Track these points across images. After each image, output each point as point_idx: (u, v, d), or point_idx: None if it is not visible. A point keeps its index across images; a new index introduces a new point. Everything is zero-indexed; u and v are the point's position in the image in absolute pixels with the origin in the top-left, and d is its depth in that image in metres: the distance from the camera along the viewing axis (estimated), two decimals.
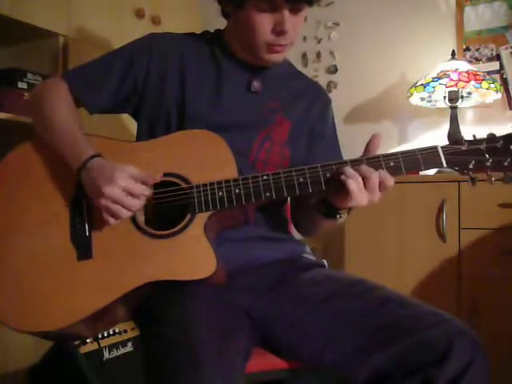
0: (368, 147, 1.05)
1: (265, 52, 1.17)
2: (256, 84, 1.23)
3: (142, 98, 1.21)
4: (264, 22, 1.12)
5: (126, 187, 1.01)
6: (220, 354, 0.91)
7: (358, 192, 1.00)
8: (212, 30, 1.30)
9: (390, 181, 1.01)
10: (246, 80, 1.23)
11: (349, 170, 1.00)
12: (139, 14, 2.20)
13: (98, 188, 1.01)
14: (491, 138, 1.01)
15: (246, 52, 1.21)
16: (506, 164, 0.99)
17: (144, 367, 0.98)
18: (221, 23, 1.28)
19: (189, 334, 0.93)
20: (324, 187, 1.03)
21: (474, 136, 1.02)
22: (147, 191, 1.04)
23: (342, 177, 1.00)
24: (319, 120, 1.30)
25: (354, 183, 0.99)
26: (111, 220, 1.03)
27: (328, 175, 1.03)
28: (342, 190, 1.01)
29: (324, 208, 1.12)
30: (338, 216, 1.11)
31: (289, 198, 1.32)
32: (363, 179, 1.00)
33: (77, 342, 1.58)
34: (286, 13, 1.11)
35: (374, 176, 1.00)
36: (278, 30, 1.12)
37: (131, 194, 1.01)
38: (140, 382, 1.65)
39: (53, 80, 1.24)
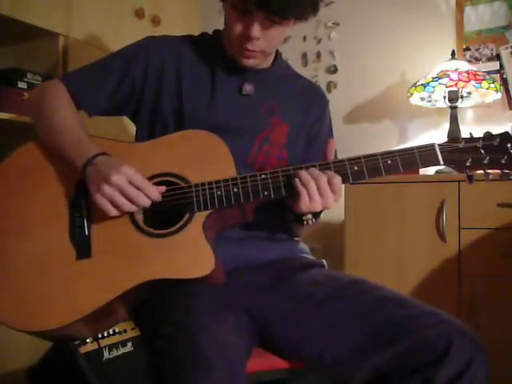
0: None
1: (236, 54, 1.17)
2: (247, 87, 1.23)
3: (140, 101, 1.21)
4: (236, 23, 1.12)
5: (129, 176, 1.01)
6: (223, 353, 0.91)
7: (308, 196, 1.00)
8: (210, 32, 1.30)
9: (337, 178, 1.01)
10: (237, 83, 1.23)
11: (301, 174, 1.01)
12: (139, 13, 2.20)
13: (104, 176, 1.00)
14: (488, 136, 1.02)
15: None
16: (503, 162, 1.01)
17: (148, 367, 0.98)
18: (220, 23, 1.28)
19: (191, 334, 0.93)
20: (284, 193, 1.04)
21: (470, 134, 1.03)
22: (150, 189, 1.03)
23: (294, 181, 1.01)
24: (317, 121, 1.30)
25: (303, 188, 1.00)
26: (112, 211, 1.02)
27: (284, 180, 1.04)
28: (297, 194, 1.02)
29: (290, 214, 1.12)
30: (304, 222, 1.09)
31: None
32: (314, 183, 1.00)
33: (77, 342, 1.58)
34: (257, 20, 1.09)
35: (323, 179, 1.00)
36: (245, 35, 1.11)
37: (135, 186, 1.01)
38: (140, 381, 1.65)
39: (51, 82, 1.24)
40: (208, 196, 1.04)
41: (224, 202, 1.04)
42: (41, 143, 1.15)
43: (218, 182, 1.05)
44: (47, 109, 1.16)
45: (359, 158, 1.04)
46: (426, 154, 1.03)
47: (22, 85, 1.80)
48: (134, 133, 1.27)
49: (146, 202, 1.03)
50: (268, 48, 1.16)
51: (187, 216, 1.04)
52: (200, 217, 1.04)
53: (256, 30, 1.10)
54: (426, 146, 1.03)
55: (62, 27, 1.91)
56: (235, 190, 1.04)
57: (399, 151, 1.04)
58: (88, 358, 1.60)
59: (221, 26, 1.28)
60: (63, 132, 1.11)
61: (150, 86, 1.20)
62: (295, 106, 1.28)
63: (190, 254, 1.02)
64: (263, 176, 1.05)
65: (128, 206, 1.02)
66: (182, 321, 0.96)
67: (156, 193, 1.04)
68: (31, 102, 1.23)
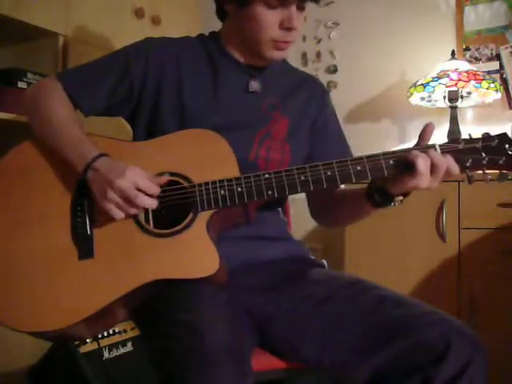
0: (422, 136, 1.06)
1: (269, 49, 1.17)
2: (254, 84, 1.23)
3: (139, 101, 1.21)
4: (272, 18, 1.13)
5: (135, 182, 1.01)
6: (231, 353, 0.91)
7: (424, 175, 1.00)
8: (207, 33, 1.30)
9: (456, 169, 1.01)
10: (244, 81, 1.23)
11: (419, 152, 1.01)
12: (139, 13, 2.19)
13: (108, 182, 1.00)
14: (486, 137, 1.03)
15: (243, 52, 1.22)
16: (501, 162, 1.02)
17: (148, 367, 0.98)
18: (220, 23, 1.28)
19: (199, 333, 0.93)
20: (386, 173, 1.03)
21: (469, 135, 1.04)
22: (156, 191, 1.03)
23: (412, 157, 1.00)
24: (320, 113, 1.31)
25: (423, 164, 0.99)
26: (118, 214, 1.02)
27: (374, 165, 1.03)
28: (407, 172, 1.01)
29: (378, 197, 1.11)
30: (391, 204, 1.10)
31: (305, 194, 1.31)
32: (432, 163, 1.00)
33: (77, 342, 1.58)
34: (294, 9, 1.13)
35: (442, 162, 1.00)
36: (286, 27, 1.14)
37: (141, 191, 1.01)
38: (140, 381, 1.65)
39: (48, 80, 1.23)
40: (212, 195, 1.04)
41: (228, 201, 1.04)
42: (38, 142, 1.14)
43: (221, 181, 1.05)
44: (44, 108, 1.15)
45: (361, 158, 1.04)
46: None
47: (21, 85, 1.79)
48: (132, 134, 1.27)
49: (150, 204, 1.03)
50: (297, 36, 1.19)
51: (191, 215, 1.04)
52: (204, 216, 1.04)
53: (296, 20, 1.14)
54: (427, 147, 1.03)
55: (61, 27, 1.90)
56: (239, 189, 1.04)
57: (401, 151, 1.04)
58: (88, 358, 1.60)
59: (221, 26, 1.28)
60: (61, 132, 1.10)
61: (149, 87, 1.20)
62: (294, 99, 1.28)
63: (194, 253, 1.02)
64: (267, 176, 1.05)
65: (134, 210, 1.02)
66: (189, 320, 0.96)
67: (157, 190, 1.04)
68: (28, 101, 1.22)
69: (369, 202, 1.12)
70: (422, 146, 1.04)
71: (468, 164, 1.02)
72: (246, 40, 1.20)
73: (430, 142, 1.05)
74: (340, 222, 1.36)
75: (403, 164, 1.02)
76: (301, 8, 1.15)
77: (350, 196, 1.21)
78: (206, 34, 1.31)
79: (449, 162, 1.01)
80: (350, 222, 1.33)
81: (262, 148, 1.20)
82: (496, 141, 1.02)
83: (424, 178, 1.00)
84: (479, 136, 1.04)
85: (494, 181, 1.04)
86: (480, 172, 1.04)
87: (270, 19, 1.13)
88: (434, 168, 1.00)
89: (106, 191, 1.01)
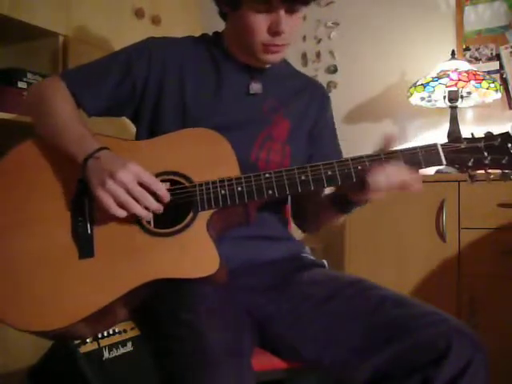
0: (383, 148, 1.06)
1: (261, 52, 1.17)
2: (255, 86, 1.23)
3: (142, 100, 1.21)
4: (259, 23, 1.13)
5: (138, 175, 1.00)
6: (232, 353, 0.91)
7: (381, 191, 1.02)
8: (211, 33, 1.30)
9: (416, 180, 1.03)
10: (244, 83, 1.23)
11: (375, 166, 1.02)
12: (139, 13, 2.20)
13: (109, 172, 0.98)
14: (489, 136, 1.02)
15: (243, 53, 1.22)
16: (503, 162, 1.01)
17: (148, 367, 0.98)
18: (221, 23, 1.28)
19: (200, 333, 0.93)
20: (340, 183, 1.04)
21: (472, 134, 1.04)
22: (161, 190, 1.02)
23: (368, 173, 1.01)
24: (319, 118, 1.31)
25: (381, 180, 1.01)
26: (115, 208, 0.99)
27: (346, 171, 1.04)
28: (364, 184, 1.02)
29: (341, 202, 1.12)
30: (352, 210, 1.13)
31: (289, 196, 1.33)
32: (388, 175, 1.01)
33: (77, 342, 1.58)
34: (282, 13, 1.12)
35: (397, 174, 1.01)
36: (274, 31, 1.13)
37: (143, 186, 1.00)
38: (140, 381, 1.65)
39: (51, 79, 1.23)
40: (212, 195, 1.04)
41: (228, 200, 1.04)
42: (40, 141, 1.13)
43: (221, 180, 1.05)
44: (48, 106, 1.15)
45: (362, 157, 1.04)
46: (428, 154, 1.03)
47: (21, 84, 1.79)
48: (135, 133, 1.27)
49: (157, 206, 1.01)
50: (292, 39, 1.18)
51: (191, 215, 1.04)
52: (204, 216, 1.04)
53: (284, 23, 1.12)
54: (428, 146, 1.03)
55: (61, 27, 1.91)
56: (239, 188, 1.04)
57: (402, 151, 1.04)
58: (88, 358, 1.60)
59: (221, 26, 1.28)
60: (65, 129, 1.10)
61: (151, 86, 1.20)
62: (296, 102, 1.28)
63: (194, 253, 1.02)
64: (267, 175, 1.05)
65: (133, 206, 0.99)
66: (190, 320, 0.96)
67: (166, 193, 1.03)
68: (31, 100, 1.22)
69: (332, 207, 1.17)
70: (425, 145, 1.04)
71: (470, 163, 1.02)
72: (241, 42, 1.20)
73: (430, 142, 1.04)
74: (307, 228, 1.38)
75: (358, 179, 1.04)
76: (291, 11, 1.13)
77: (320, 201, 1.24)
78: (207, 33, 1.31)
79: (403, 174, 1.02)
80: (318, 228, 1.35)
81: (262, 149, 1.20)
82: (499, 140, 1.01)
83: (380, 194, 1.04)
84: (481, 135, 1.03)
85: (496, 181, 1.03)
86: (482, 171, 1.04)
87: (257, 23, 1.13)
88: (388, 180, 1.02)
89: (105, 181, 0.98)
